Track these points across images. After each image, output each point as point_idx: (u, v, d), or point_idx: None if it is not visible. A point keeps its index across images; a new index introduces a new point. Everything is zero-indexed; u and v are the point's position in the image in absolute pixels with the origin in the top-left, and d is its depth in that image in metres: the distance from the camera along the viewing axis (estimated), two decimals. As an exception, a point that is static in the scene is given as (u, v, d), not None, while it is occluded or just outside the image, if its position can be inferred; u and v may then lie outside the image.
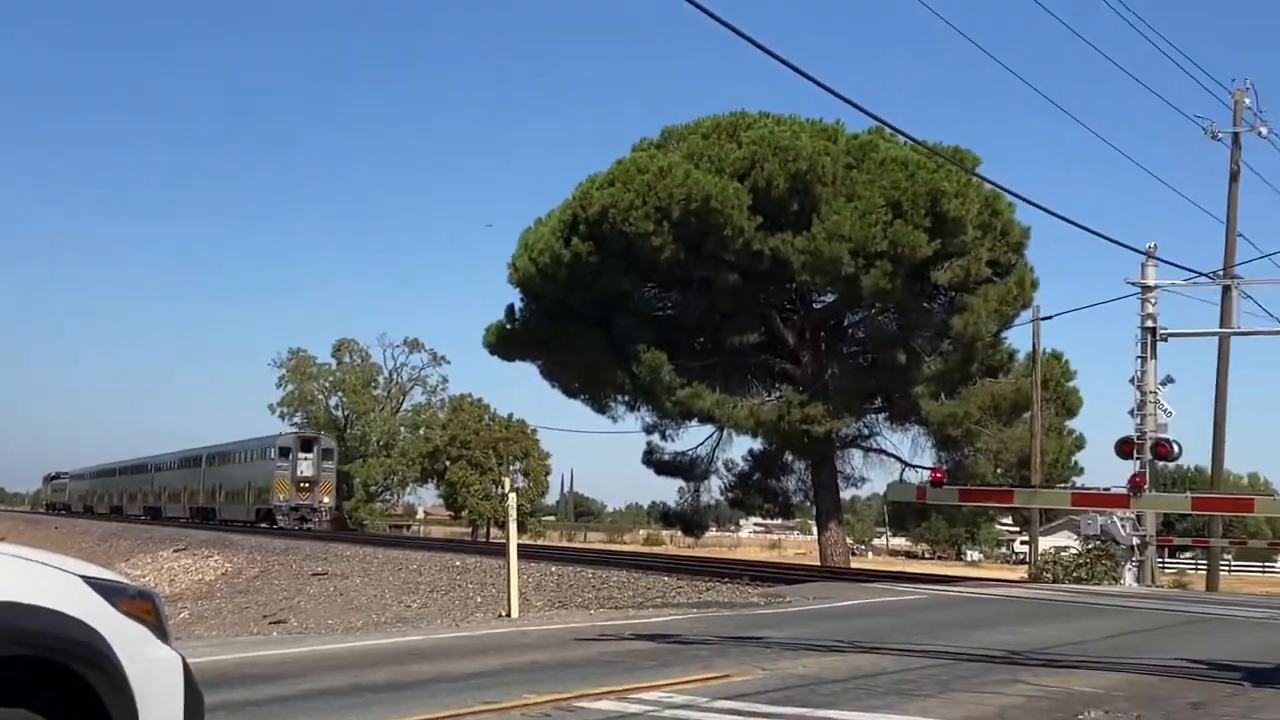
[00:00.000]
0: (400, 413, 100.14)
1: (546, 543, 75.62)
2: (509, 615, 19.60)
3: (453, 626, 19.57)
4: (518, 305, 47.58)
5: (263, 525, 65.41)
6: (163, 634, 5.32)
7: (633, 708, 9.90)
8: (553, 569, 29.51)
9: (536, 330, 46.45)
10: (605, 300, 42.98)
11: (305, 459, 68.54)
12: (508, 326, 48.09)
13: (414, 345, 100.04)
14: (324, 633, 22.85)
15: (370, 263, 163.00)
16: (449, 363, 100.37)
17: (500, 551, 21.38)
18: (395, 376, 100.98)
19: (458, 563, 33.50)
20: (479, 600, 26.06)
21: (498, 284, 47.45)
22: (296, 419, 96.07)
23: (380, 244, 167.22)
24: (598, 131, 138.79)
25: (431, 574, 32.14)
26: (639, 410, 48.24)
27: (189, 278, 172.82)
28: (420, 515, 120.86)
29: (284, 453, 68.41)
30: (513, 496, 21.26)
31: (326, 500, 69.88)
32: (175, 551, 49.71)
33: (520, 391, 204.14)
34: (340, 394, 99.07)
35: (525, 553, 22.53)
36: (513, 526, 20.50)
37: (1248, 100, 39.16)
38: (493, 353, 49.09)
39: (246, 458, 73.65)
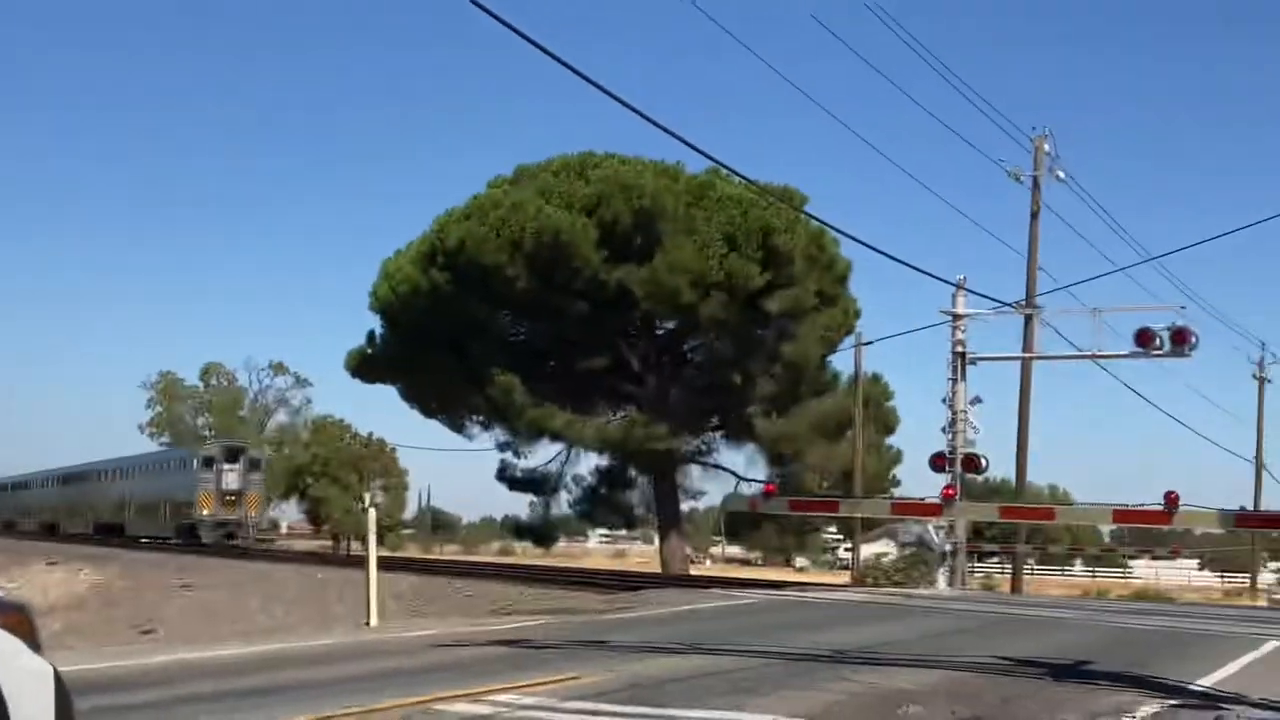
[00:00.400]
0: (265, 433, 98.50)
1: (405, 555, 74.71)
2: (369, 624, 19.34)
3: (315, 635, 19.24)
4: (379, 331, 47.23)
5: (175, 542, 57.91)
6: (35, 645, 5.17)
7: (486, 709, 9.83)
8: (411, 579, 29.25)
9: (396, 355, 46.13)
10: (462, 327, 42.80)
11: (231, 470, 59.42)
12: (369, 351, 47.74)
13: (279, 368, 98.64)
14: (192, 642, 22.34)
15: (237, 288, 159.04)
16: (312, 385, 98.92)
17: (361, 564, 21.10)
18: (261, 398, 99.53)
19: (320, 575, 33.01)
20: (340, 610, 25.69)
21: (362, 309, 46.83)
22: (165, 439, 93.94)
23: (247, 268, 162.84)
24: (453, 166, 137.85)
25: (295, 585, 31.61)
26: (493, 430, 48.09)
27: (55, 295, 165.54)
28: (284, 530, 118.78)
29: (208, 463, 59.39)
30: (372, 511, 21.07)
31: (254, 514, 61.47)
32: (49, 565, 48.13)
33: (381, 410, 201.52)
34: (208, 415, 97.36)
35: (385, 564, 22.24)
36: (372, 539, 20.29)
37: (1047, 147, 40.33)
38: (354, 375, 48.68)
39: (163, 469, 65.37)
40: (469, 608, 24.10)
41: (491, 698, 10.34)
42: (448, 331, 43.00)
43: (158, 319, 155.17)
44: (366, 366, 48.06)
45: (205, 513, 58.19)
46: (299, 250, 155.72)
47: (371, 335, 47.59)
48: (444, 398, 46.84)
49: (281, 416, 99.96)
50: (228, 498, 58.84)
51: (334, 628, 20.95)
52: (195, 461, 60.40)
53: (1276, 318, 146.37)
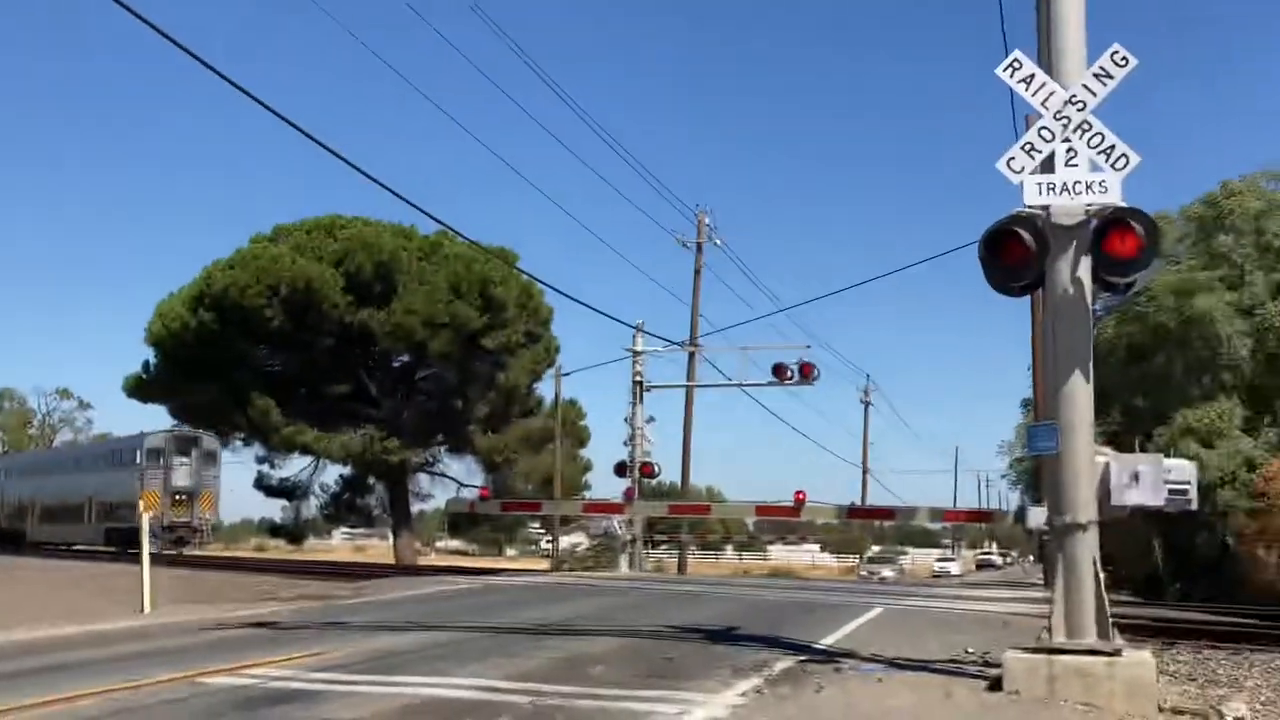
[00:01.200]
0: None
1: (174, 552, 70.76)
2: (142, 611, 18.41)
3: (94, 621, 18.14)
4: (153, 360, 45.61)
5: (111, 551, 43.07)
6: None
7: (244, 680, 9.54)
8: (180, 573, 27.94)
9: (168, 381, 44.85)
10: (226, 358, 41.82)
11: (182, 464, 43.99)
12: (144, 377, 46.11)
13: (64, 394, 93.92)
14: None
15: (26, 317, 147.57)
16: (93, 407, 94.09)
17: (136, 559, 20.05)
18: (48, 419, 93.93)
19: (100, 570, 31.27)
20: (117, 600, 24.28)
21: (139, 340, 44.90)
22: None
23: (39, 299, 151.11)
24: (216, 222, 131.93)
25: (77, 579, 29.75)
26: (253, 445, 46.69)
27: None
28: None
29: (154, 455, 43.78)
30: (146, 516, 20.22)
31: (209, 516, 45.37)
32: None
33: (157, 428, 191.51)
34: (0, 433, 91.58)
35: (156, 560, 21.17)
36: (145, 539, 19.52)
37: (707, 219, 42.34)
38: (130, 397, 46.96)
39: (91, 464, 49.19)
40: (230, 596, 23.14)
41: (249, 671, 10.05)
42: (213, 362, 41.78)
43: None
44: (142, 390, 46.56)
45: (150, 516, 44.51)
46: (82, 287, 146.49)
47: (147, 364, 46.20)
48: (209, 418, 45.25)
49: (66, 434, 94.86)
50: (178, 497, 43.82)
51: (112, 615, 19.76)
52: (139, 454, 44.59)
53: (880, 355, 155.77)
